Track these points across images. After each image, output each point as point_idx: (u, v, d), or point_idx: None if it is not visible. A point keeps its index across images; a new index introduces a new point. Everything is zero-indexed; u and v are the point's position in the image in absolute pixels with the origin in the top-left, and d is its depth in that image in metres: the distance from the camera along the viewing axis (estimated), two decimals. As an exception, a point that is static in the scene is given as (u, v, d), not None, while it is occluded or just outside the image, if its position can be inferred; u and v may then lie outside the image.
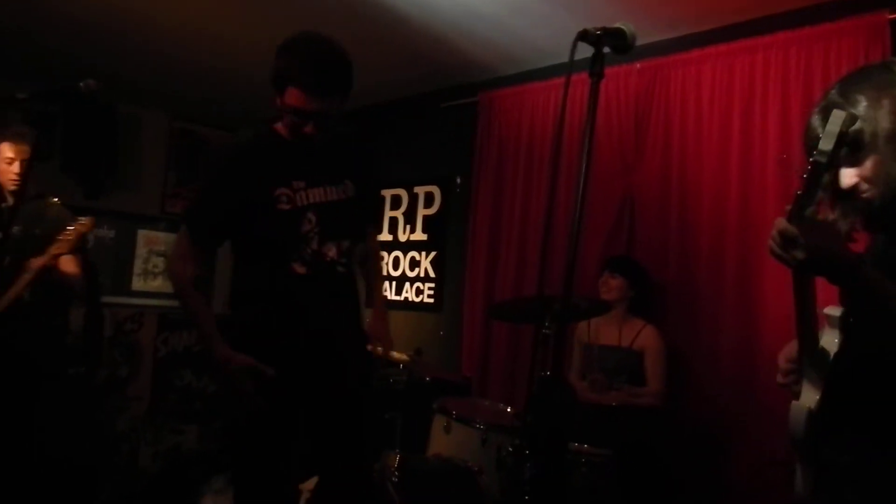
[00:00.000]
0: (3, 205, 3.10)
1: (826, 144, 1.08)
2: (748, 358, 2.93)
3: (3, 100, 2.29)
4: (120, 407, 4.78)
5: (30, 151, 3.06)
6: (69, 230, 2.96)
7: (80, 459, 3.76)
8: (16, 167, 3.08)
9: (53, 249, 2.93)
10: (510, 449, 2.60)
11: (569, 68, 1.40)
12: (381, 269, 2.49)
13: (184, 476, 4.45)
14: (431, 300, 4.51)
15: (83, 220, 3.03)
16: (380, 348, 2.17)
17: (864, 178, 1.25)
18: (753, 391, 2.87)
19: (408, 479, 2.52)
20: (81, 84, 2.12)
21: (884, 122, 1.20)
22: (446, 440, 2.83)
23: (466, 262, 4.19)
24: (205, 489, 3.96)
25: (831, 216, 1.34)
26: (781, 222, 1.13)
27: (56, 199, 3.21)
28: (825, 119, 1.24)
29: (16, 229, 3.02)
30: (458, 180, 4.41)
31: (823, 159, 1.08)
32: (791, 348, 1.42)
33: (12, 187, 3.08)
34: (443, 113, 4.48)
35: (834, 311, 1.33)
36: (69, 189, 4.97)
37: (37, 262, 2.92)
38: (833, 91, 1.28)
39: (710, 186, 3.17)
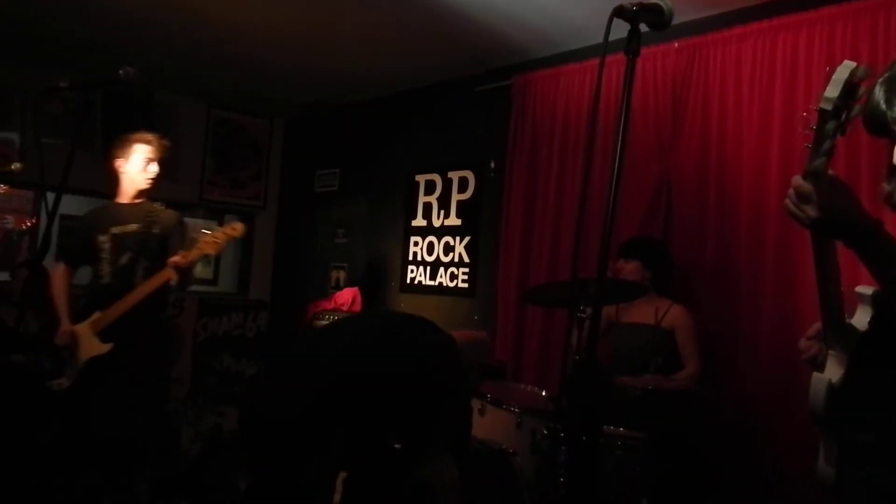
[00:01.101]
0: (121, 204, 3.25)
1: (832, 92, 1.05)
2: (788, 341, 2.86)
3: (45, 88, 2.34)
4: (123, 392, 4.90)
5: (165, 154, 3.26)
6: (219, 234, 3.07)
7: (124, 440, 3.86)
8: (154, 167, 3.24)
9: (202, 248, 3.05)
10: (545, 432, 2.60)
11: (604, 45, 1.37)
12: None
13: (224, 456, 4.55)
14: (465, 285, 4.51)
15: (235, 225, 3.13)
16: None
17: None
18: (793, 375, 2.80)
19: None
20: (121, 72, 2.16)
21: None
22: (481, 423, 2.84)
23: (500, 247, 4.18)
24: (244, 469, 4.04)
25: (887, 187, 1.30)
26: (797, 179, 1.11)
27: (160, 203, 3.34)
28: (892, 89, 1.19)
29: (135, 227, 3.19)
30: (493, 165, 4.39)
31: (828, 107, 1.05)
32: (813, 329, 1.41)
33: (145, 186, 3.23)
34: (477, 97, 4.47)
35: (866, 289, 1.30)
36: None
37: (187, 257, 3.04)
38: None
39: (750, 168, 3.10)
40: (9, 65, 4.65)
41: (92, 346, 3.10)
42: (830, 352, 1.33)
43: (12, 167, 3.36)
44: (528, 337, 3.93)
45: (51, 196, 2.25)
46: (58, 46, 4.44)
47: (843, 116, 1.06)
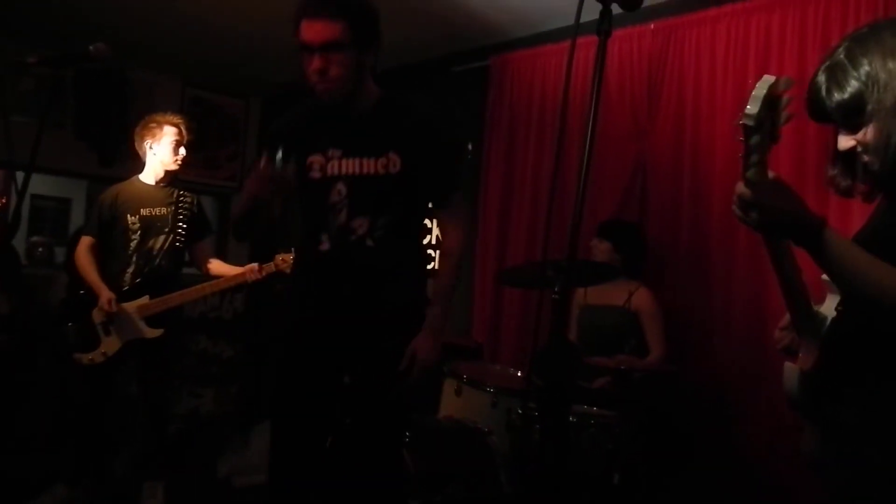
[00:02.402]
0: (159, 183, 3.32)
1: (752, 108, 1.07)
2: (761, 323, 2.92)
3: (13, 63, 2.30)
4: (134, 371, 4.88)
5: (190, 136, 3.32)
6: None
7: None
8: (182, 151, 3.30)
9: (279, 266, 3.16)
10: (519, 411, 2.63)
11: (575, 26, 1.38)
12: (446, 269, 2.08)
13: (202, 437, 4.55)
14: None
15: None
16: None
17: (862, 145, 1.23)
18: (766, 356, 2.87)
19: (419, 439, 2.56)
20: (91, 47, 2.11)
21: (890, 92, 1.17)
22: (457, 402, 2.87)
23: (477, 229, 4.19)
24: (222, 450, 4.06)
25: (832, 171, 1.33)
26: (739, 186, 1.14)
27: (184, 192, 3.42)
28: (831, 78, 1.22)
29: (164, 210, 3.26)
30: (470, 146, 4.38)
31: (750, 122, 1.08)
32: (786, 319, 1.44)
33: (173, 168, 3.30)
34: (454, 78, 4.44)
35: None
36: (84, 156, 5.02)
37: (264, 270, 3.20)
38: (840, 49, 1.25)
39: (724, 150, 3.12)
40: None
41: (138, 328, 3.17)
42: (803, 340, 1.36)
43: (-20, 146, 3.30)
44: (505, 318, 3.96)
45: (20, 175, 2.21)
46: (27, 20, 4.34)
47: (770, 127, 1.09)
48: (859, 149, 1.24)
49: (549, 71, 3.88)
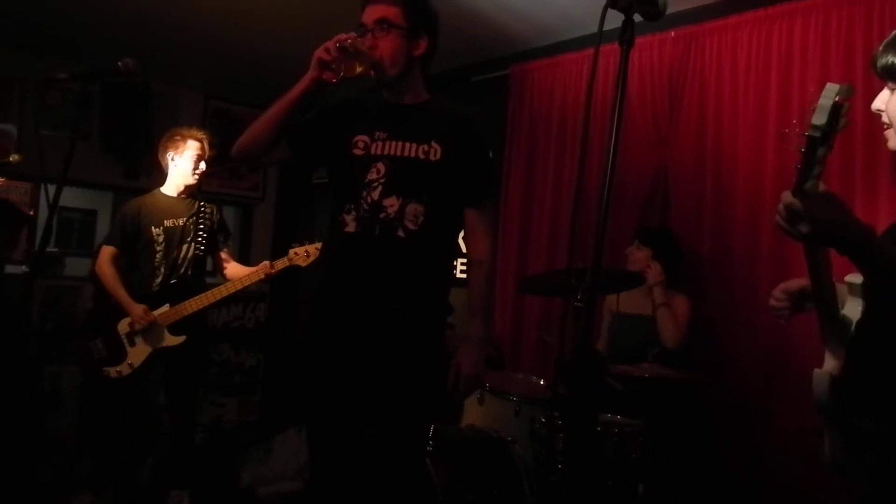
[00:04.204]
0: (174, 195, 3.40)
1: (819, 119, 1.05)
2: (784, 329, 2.89)
3: (43, 80, 2.34)
4: (161, 380, 4.92)
5: (212, 151, 3.38)
6: (311, 248, 3.16)
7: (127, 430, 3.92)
8: (203, 165, 3.37)
9: (293, 260, 3.18)
10: (543, 420, 2.62)
11: (598, 36, 1.39)
12: (480, 280, 2.12)
13: (225, 447, 4.59)
14: (463, 276, 4.52)
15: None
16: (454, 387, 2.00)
17: (888, 111, 1.22)
18: (790, 362, 2.84)
19: (442, 448, 2.56)
20: (120, 63, 2.16)
21: None
22: (480, 412, 2.87)
23: (498, 237, 4.19)
24: (245, 459, 4.08)
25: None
26: (787, 196, 1.12)
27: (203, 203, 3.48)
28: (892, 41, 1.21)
29: (186, 221, 3.33)
30: (490, 155, 4.39)
31: (817, 134, 1.06)
32: (790, 283, 1.45)
33: (193, 182, 3.37)
34: (473, 87, 4.46)
35: (856, 278, 1.32)
36: (109, 168, 5.10)
37: (276, 267, 3.22)
38: None
39: (746, 157, 3.11)
40: (6, 55, 4.64)
41: (162, 337, 3.21)
42: (827, 347, 1.36)
43: (11, 159, 3.37)
44: (526, 326, 3.95)
45: (50, 188, 2.25)
46: (55, 36, 4.42)
47: (831, 137, 1.07)
48: (884, 118, 1.24)
49: (568, 80, 3.88)
